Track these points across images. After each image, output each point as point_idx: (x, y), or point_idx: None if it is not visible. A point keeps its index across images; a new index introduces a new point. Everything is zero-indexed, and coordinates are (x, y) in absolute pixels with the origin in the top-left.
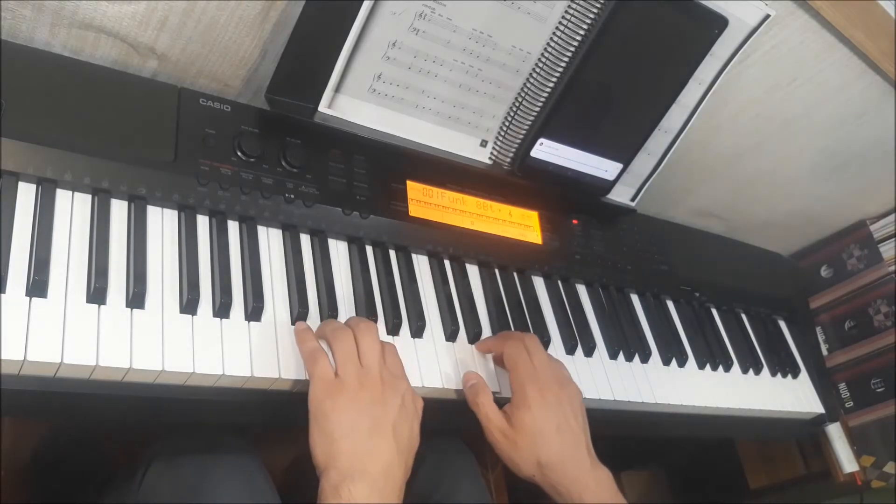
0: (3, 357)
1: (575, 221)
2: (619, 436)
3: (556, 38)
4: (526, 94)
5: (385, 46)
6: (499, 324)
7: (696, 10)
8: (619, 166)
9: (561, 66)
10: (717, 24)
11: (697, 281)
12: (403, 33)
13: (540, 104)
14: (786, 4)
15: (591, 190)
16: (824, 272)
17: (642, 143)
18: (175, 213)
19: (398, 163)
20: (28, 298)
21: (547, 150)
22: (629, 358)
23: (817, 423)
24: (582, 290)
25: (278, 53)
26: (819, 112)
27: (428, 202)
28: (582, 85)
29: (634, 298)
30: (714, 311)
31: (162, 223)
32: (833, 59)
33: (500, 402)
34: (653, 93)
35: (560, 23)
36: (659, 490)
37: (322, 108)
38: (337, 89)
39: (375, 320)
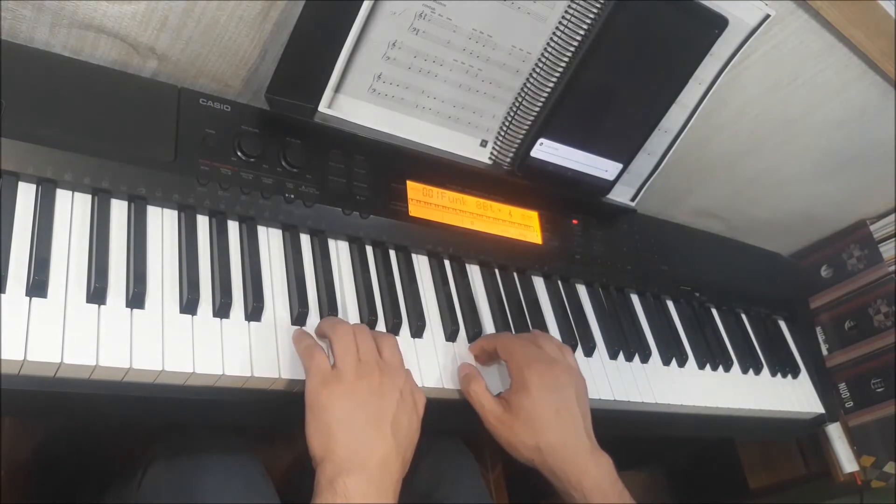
0: (3, 357)
1: (575, 221)
2: (619, 436)
3: (556, 38)
4: (526, 94)
5: (385, 46)
6: (499, 324)
7: (696, 10)
8: (619, 166)
9: (561, 66)
10: (717, 24)
11: (697, 281)
12: (403, 33)
13: (540, 104)
14: (786, 4)
15: (591, 190)
16: (824, 272)
17: (642, 143)
18: (175, 213)
19: (398, 163)
20: (28, 298)
21: (547, 150)
22: (629, 358)
23: (817, 423)
24: (582, 290)
25: (278, 53)
26: (819, 112)
27: (428, 202)
28: (582, 85)
29: (634, 298)
30: (714, 311)
31: (162, 223)
32: (833, 59)
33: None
34: (653, 93)
35: (560, 23)
36: (659, 490)
37: (322, 108)
38: (337, 89)
39: (375, 320)
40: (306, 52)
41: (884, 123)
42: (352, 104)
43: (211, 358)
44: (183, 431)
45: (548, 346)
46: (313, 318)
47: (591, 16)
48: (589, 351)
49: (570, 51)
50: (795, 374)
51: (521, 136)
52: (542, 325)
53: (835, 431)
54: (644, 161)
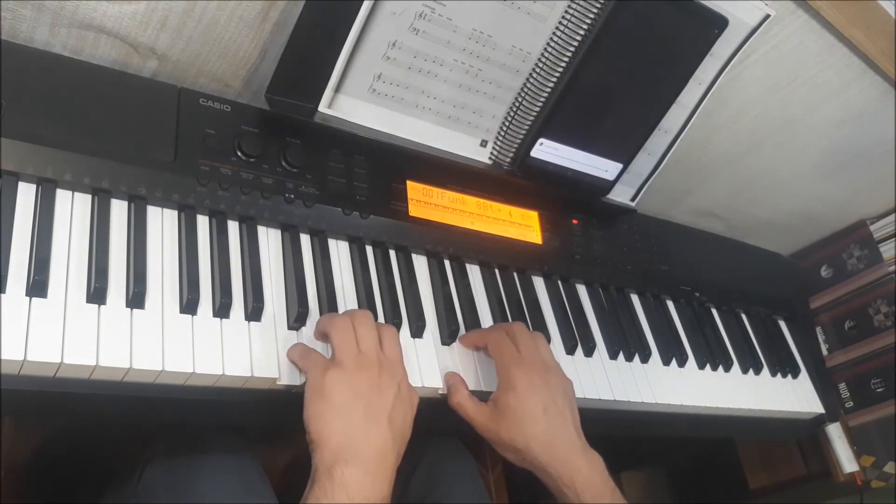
0: (3, 357)
1: (575, 221)
2: (620, 436)
3: (556, 38)
4: (526, 94)
5: (385, 46)
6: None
7: (696, 10)
8: (619, 166)
9: (561, 66)
10: (717, 24)
11: (697, 281)
12: (403, 33)
13: (540, 104)
14: (786, 4)
15: (591, 190)
16: (824, 272)
17: (642, 143)
18: (175, 213)
19: (398, 163)
20: (28, 298)
21: (547, 150)
22: (629, 358)
23: (817, 423)
24: (582, 290)
25: (278, 53)
26: (819, 112)
27: (428, 202)
28: (582, 85)
29: (634, 298)
30: (714, 311)
31: (162, 223)
32: (833, 59)
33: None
34: (653, 93)
35: (560, 23)
36: (659, 490)
37: (322, 108)
38: (337, 89)
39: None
40: (306, 52)
41: (884, 123)
42: (352, 104)
43: (211, 358)
44: (182, 431)
45: (522, 342)
46: (313, 318)
47: (591, 16)
48: (589, 351)
49: (570, 51)
50: (795, 374)
51: (521, 136)
52: (542, 325)
53: (835, 431)
54: (644, 161)
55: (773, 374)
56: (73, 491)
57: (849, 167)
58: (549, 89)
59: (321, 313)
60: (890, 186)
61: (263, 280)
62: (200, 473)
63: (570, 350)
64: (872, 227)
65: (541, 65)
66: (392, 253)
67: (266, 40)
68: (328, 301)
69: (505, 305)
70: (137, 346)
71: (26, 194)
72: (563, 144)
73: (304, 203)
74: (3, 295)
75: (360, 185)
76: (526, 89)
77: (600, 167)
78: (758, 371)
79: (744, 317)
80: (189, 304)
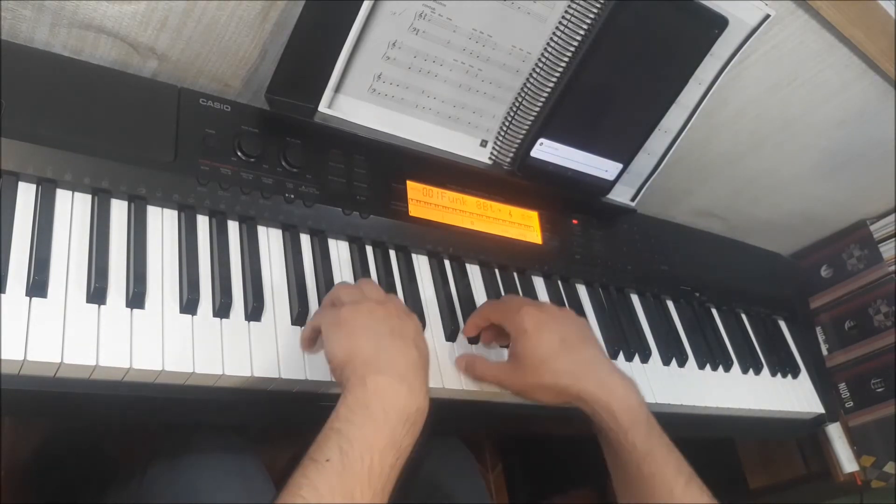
0: (3, 357)
1: (575, 221)
2: None
3: (556, 38)
4: (526, 94)
5: (385, 46)
6: None
7: (696, 10)
8: (619, 166)
9: (561, 66)
10: (717, 24)
11: (697, 281)
12: (403, 33)
13: (540, 104)
14: (786, 4)
15: (591, 190)
16: (824, 272)
17: (642, 143)
18: (175, 213)
19: (398, 163)
20: (28, 298)
21: (547, 150)
22: (629, 358)
23: (817, 423)
24: (582, 290)
25: (278, 53)
26: (819, 112)
27: (428, 202)
28: (582, 85)
29: (634, 298)
30: (714, 311)
31: (162, 223)
32: (833, 59)
33: None
34: (653, 93)
35: (560, 23)
36: None
37: (322, 108)
38: (337, 89)
39: None
40: (306, 53)
41: (884, 123)
42: (352, 104)
43: (211, 358)
44: (183, 431)
45: (520, 298)
46: None
47: (591, 16)
48: None
49: (570, 51)
50: (795, 374)
51: (521, 136)
52: None
53: (835, 431)
54: (644, 161)
55: (773, 374)
56: (74, 491)
57: (849, 167)
58: (549, 89)
59: None
60: (890, 186)
61: (263, 280)
62: (204, 473)
63: None
64: (872, 227)
65: (541, 65)
66: (392, 253)
67: (266, 40)
68: None
69: None
70: (137, 346)
71: (26, 194)
72: (563, 144)
73: (304, 203)
74: (3, 295)
75: (360, 185)
76: (526, 89)
77: (600, 167)
78: (758, 371)
79: (744, 317)
80: (189, 304)
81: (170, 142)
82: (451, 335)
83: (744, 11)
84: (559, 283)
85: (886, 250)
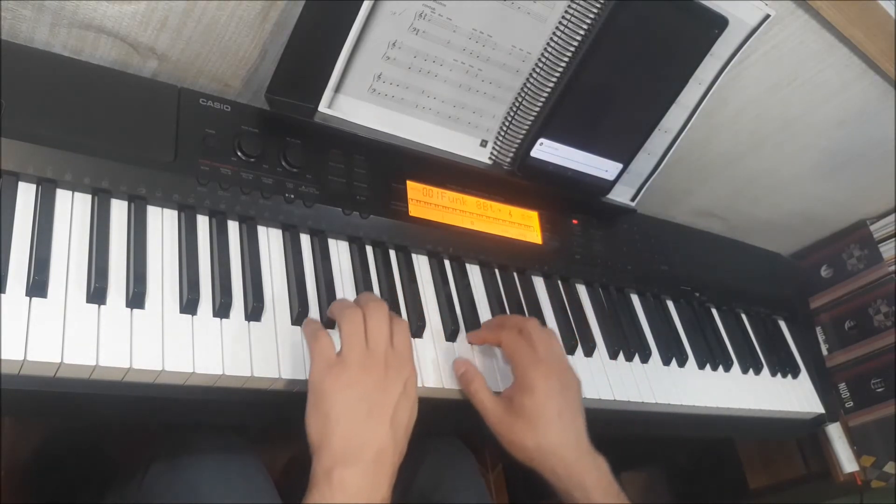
0: (3, 357)
1: (575, 221)
2: (619, 436)
3: (556, 38)
4: (526, 94)
5: (385, 46)
6: None
7: (696, 10)
8: (619, 166)
9: (561, 66)
10: (717, 24)
11: (697, 281)
12: (403, 33)
13: (540, 104)
14: (786, 4)
15: (591, 190)
16: (824, 272)
17: (642, 143)
18: (175, 213)
19: (398, 163)
20: (28, 298)
21: (547, 150)
22: (629, 358)
23: (817, 423)
24: (582, 290)
25: (278, 53)
26: (819, 112)
27: (428, 202)
28: (582, 85)
29: (634, 298)
30: (714, 311)
31: (162, 223)
32: (833, 59)
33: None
34: (653, 93)
35: (560, 23)
36: (659, 490)
37: (322, 108)
38: (337, 89)
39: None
40: (306, 53)
41: (884, 123)
42: (352, 104)
43: (211, 358)
44: (183, 431)
45: (538, 341)
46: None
47: (591, 16)
48: (589, 351)
49: (570, 51)
50: (795, 374)
51: (521, 136)
52: None
53: (835, 431)
54: (644, 161)
55: (773, 374)
56: (74, 491)
57: (849, 167)
58: (549, 89)
59: (321, 313)
60: (890, 186)
61: (263, 280)
62: (204, 473)
63: (570, 350)
64: (872, 227)
65: (541, 65)
66: (392, 253)
67: (266, 40)
68: (328, 301)
69: (505, 305)
70: (137, 346)
71: (26, 194)
72: (563, 144)
73: (304, 203)
74: (3, 295)
75: (360, 185)
76: (526, 89)
77: (600, 167)
78: (758, 371)
79: (744, 317)
80: (189, 304)
81: (170, 142)
82: (451, 335)
83: (744, 11)
84: (559, 283)
85: (886, 250)
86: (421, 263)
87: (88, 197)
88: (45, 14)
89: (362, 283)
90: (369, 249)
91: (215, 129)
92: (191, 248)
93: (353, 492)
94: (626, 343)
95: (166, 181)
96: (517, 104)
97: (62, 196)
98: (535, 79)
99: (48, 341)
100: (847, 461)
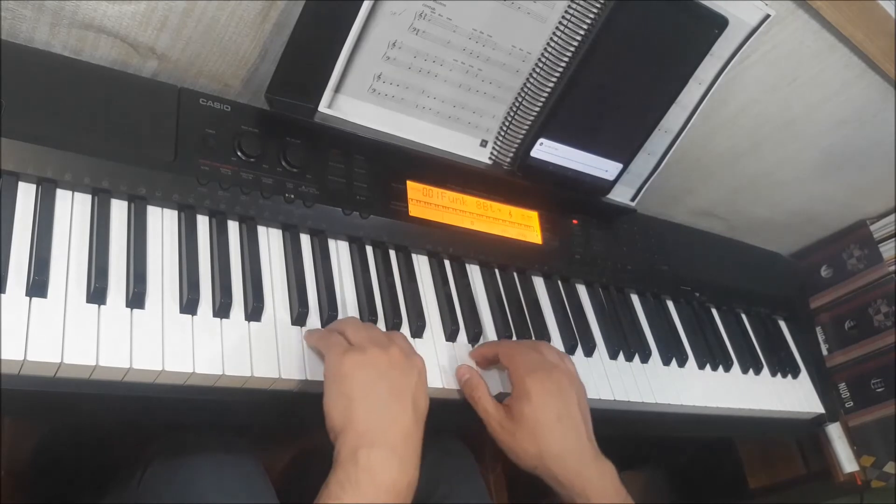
0: (3, 357)
1: (575, 221)
2: (619, 436)
3: (556, 38)
4: (526, 94)
5: (385, 46)
6: (499, 324)
7: (696, 10)
8: (620, 166)
9: (561, 66)
10: (717, 24)
11: (697, 281)
12: (403, 33)
13: (540, 104)
14: (786, 4)
15: (591, 190)
16: (824, 272)
17: (642, 143)
18: (175, 213)
19: (398, 163)
20: (28, 298)
21: (547, 150)
22: (629, 358)
23: (817, 423)
24: (582, 290)
25: (278, 53)
26: (819, 112)
27: (428, 202)
28: (582, 85)
29: (634, 298)
30: (714, 311)
31: (162, 223)
32: (833, 59)
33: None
34: (653, 93)
35: (560, 23)
36: (659, 490)
37: (322, 108)
38: (337, 89)
39: (375, 320)
40: (306, 52)
41: (884, 123)
42: (352, 104)
43: (211, 358)
44: (183, 432)
45: (548, 353)
46: (313, 318)
47: (591, 16)
48: (589, 351)
49: (570, 51)
50: (795, 374)
51: (521, 136)
52: (542, 326)
53: (835, 431)
54: (644, 161)
55: (773, 374)
56: (74, 491)
57: (849, 167)
58: (549, 89)
59: (321, 313)
60: (890, 186)
61: (263, 280)
62: (203, 474)
63: (570, 350)
64: (872, 227)
65: (541, 65)
66: (392, 253)
67: (266, 40)
68: (328, 301)
69: (505, 305)
70: (137, 346)
71: (26, 194)
72: (563, 144)
73: (304, 203)
74: (3, 295)
75: (360, 185)
76: (526, 89)
77: (600, 167)
78: (758, 371)
79: (744, 317)
80: (189, 304)
81: (170, 142)
82: (451, 335)
83: (744, 11)
84: (559, 283)
85: (886, 250)
86: (421, 263)
87: (88, 197)
88: (45, 14)
89: (362, 283)
90: (369, 249)
91: (215, 129)
92: (191, 248)
93: (380, 473)
94: (626, 343)
95: (166, 181)
96: (517, 104)
97: (62, 196)
98: (535, 79)
99: (48, 341)
100: (847, 461)
